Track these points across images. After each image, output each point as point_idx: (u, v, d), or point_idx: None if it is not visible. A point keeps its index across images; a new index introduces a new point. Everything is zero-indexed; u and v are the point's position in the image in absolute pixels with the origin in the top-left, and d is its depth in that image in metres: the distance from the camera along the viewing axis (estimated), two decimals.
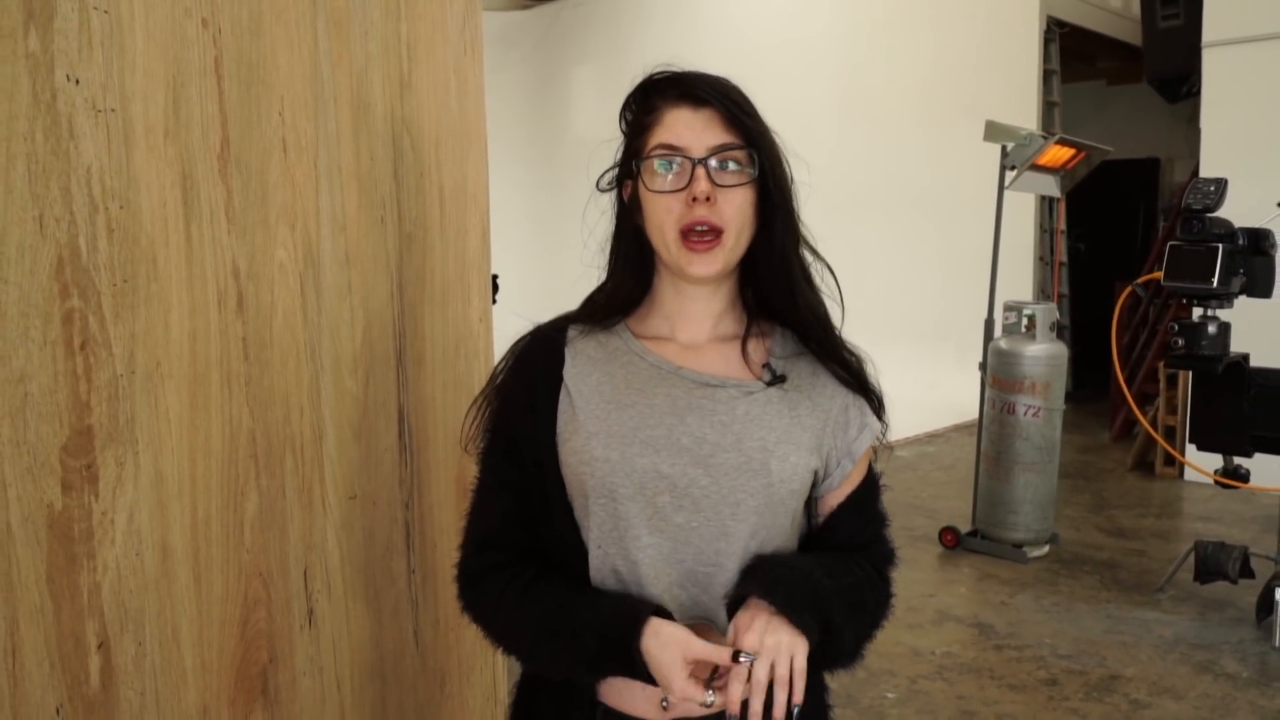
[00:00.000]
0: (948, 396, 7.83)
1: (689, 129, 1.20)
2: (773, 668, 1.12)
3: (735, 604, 1.19)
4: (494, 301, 3.93)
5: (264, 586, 1.44)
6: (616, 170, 1.30)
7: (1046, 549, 5.13)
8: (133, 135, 1.21)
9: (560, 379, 1.27)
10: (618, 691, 1.25)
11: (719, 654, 1.13)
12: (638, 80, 1.27)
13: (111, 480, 1.21)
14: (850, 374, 1.29)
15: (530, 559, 1.28)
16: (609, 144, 1.32)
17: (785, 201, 1.25)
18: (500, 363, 1.32)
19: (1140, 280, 4.05)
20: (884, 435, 1.34)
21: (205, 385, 1.33)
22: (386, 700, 1.81)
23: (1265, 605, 4.14)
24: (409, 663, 1.89)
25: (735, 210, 1.21)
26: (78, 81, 1.15)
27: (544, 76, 12.17)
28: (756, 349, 1.29)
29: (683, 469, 1.21)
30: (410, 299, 1.87)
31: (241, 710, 1.40)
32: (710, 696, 1.11)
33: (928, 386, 7.93)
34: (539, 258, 10.22)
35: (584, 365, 1.28)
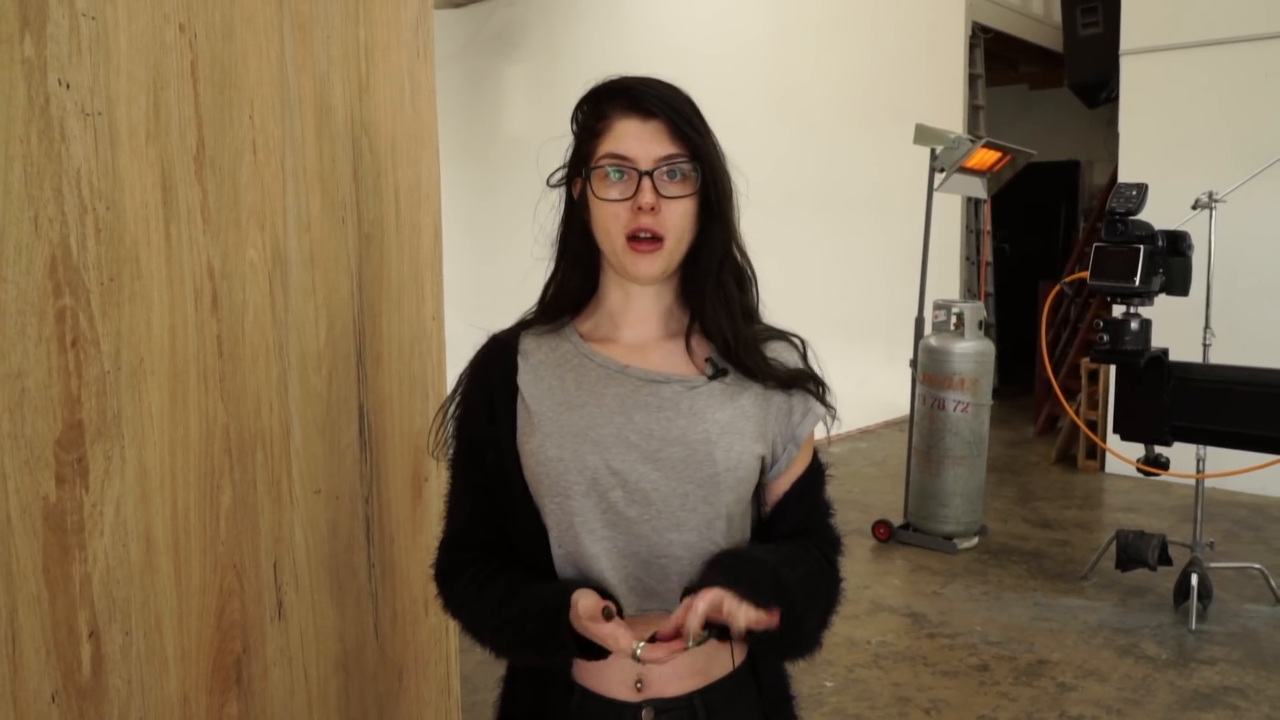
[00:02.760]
0: (878, 394, 7.98)
1: (637, 140, 1.26)
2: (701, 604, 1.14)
3: (694, 591, 1.21)
4: None
5: (237, 578, 1.47)
6: (566, 170, 1.35)
7: (976, 540, 5.27)
8: (118, 138, 1.24)
9: (515, 386, 1.33)
10: (592, 674, 1.29)
11: (612, 634, 1.16)
12: (591, 84, 1.32)
13: (100, 473, 1.23)
14: (764, 375, 1.32)
15: (495, 555, 1.34)
16: (558, 141, 1.37)
17: (724, 211, 1.32)
18: (462, 372, 1.38)
19: (1067, 279, 4.19)
20: (830, 420, 1.38)
21: (183, 381, 1.36)
22: (349, 691, 1.85)
23: (1182, 591, 4.30)
24: (369, 655, 1.93)
25: (678, 218, 1.27)
26: (68, 86, 1.18)
27: (475, 77, 12.09)
28: (700, 345, 1.34)
29: (632, 465, 1.26)
30: (369, 298, 1.90)
31: (218, 699, 1.43)
32: (640, 646, 1.13)
33: (858, 383, 8.05)
34: (468, 260, 10.18)
35: (536, 371, 1.33)
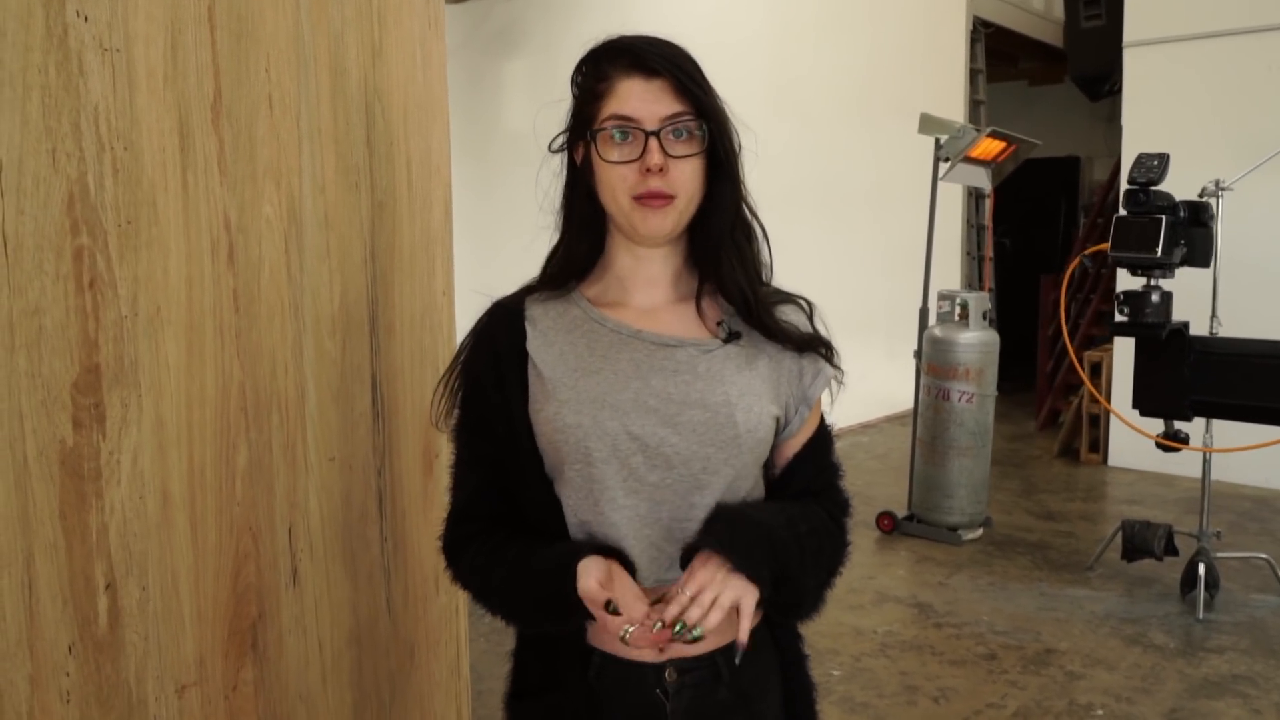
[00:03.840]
0: (879, 388, 7.95)
1: (641, 100, 1.23)
2: (698, 596, 1.15)
3: (691, 554, 1.22)
4: None
5: (253, 541, 1.44)
6: (568, 134, 1.32)
7: (980, 532, 5.25)
8: (135, 77, 1.21)
9: (525, 352, 1.30)
10: (611, 637, 1.24)
11: (595, 596, 1.16)
12: (590, 45, 1.30)
13: (117, 421, 1.20)
14: (781, 336, 1.32)
15: (503, 525, 1.31)
16: (556, 106, 1.35)
17: (732, 168, 1.29)
18: (464, 340, 1.35)
19: (1087, 251, 4.17)
20: (839, 380, 1.39)
21: (200, 334, 1.33)
22: (362, 665, 1.82)
23: (1189, 580, 4.29)
24: (382, 630, 1.90)
25: (686, 178, 1.25)
26: (86, 18, 1.14)
27: (474, 72, 12.06)
28: (710, 307, 1.33)
29: (652, 429, 1.24)
30: (382, 267, 1.87)
31: (234, 663, 1.40)
32: (627, 632, 1.13)
33: (858, 377, 8.00)
34: (467, 259, 10.12)
35: (545, 336, 1.30)
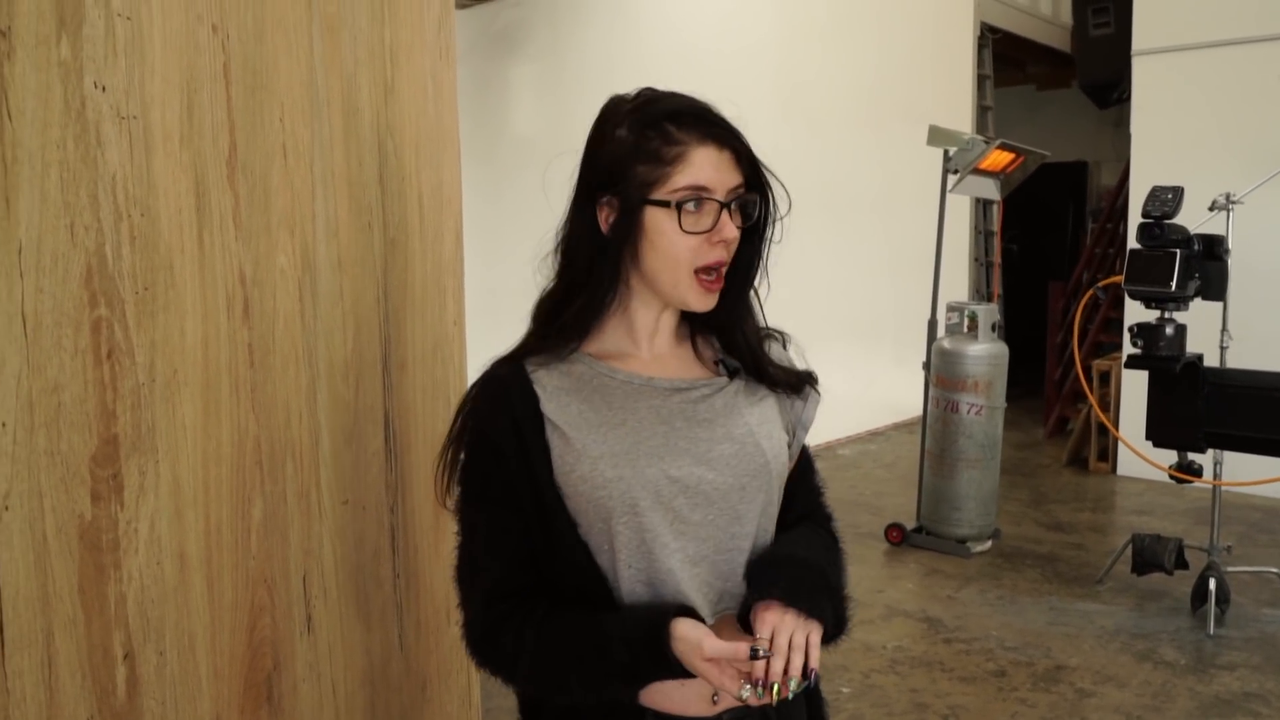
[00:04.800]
0: (886, 395, 7.95)
1: (717, 171, 1.23)
2: (791, 640, 1.16)
3: (751, 601, 1.22)
4: None
5: (268, 593, 1.44)
6: (602, 188, 1.26)
7: (989, 544, 5.24)
8: (152, 142, 1.20)
9: (540, 415, 1.26)
10: (665, 695, 1.24)
11: (734, 650, 1.14)
12: (651, 98, 1.26)
13: (135, 489, 1.20)
14: (783, 383, 1.36)
15: (537, 599, 1.26)
16: (569, 154, 1.30)
17: (765, 239, 1.32)
18: (463, 408, 1.29)
19: (1101, 284, 4.15)
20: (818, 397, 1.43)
21: (216, 392, 1.33)
22: (375, 705, 1.82)
23: (1199, 595, 4.27)
24: (395, 667, 1.90)
25: (735, 248, 1.27)
26: (104, 89, 1.14)
27: (481, 77, 12.06)
28: (705, 347, 1.37)
29: (689, 469, 1.25)
30: (394, 304, 1.87)
31: (250, 718, 1.40)
32: (746, 691, 1.13)
33: (868, 385, 8.04)
34: (473, 262, 10.11)
35: (558, 397, 1.27)
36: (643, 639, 1.17)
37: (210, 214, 1.30)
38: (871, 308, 8.72)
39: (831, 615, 1.23)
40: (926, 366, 5.25)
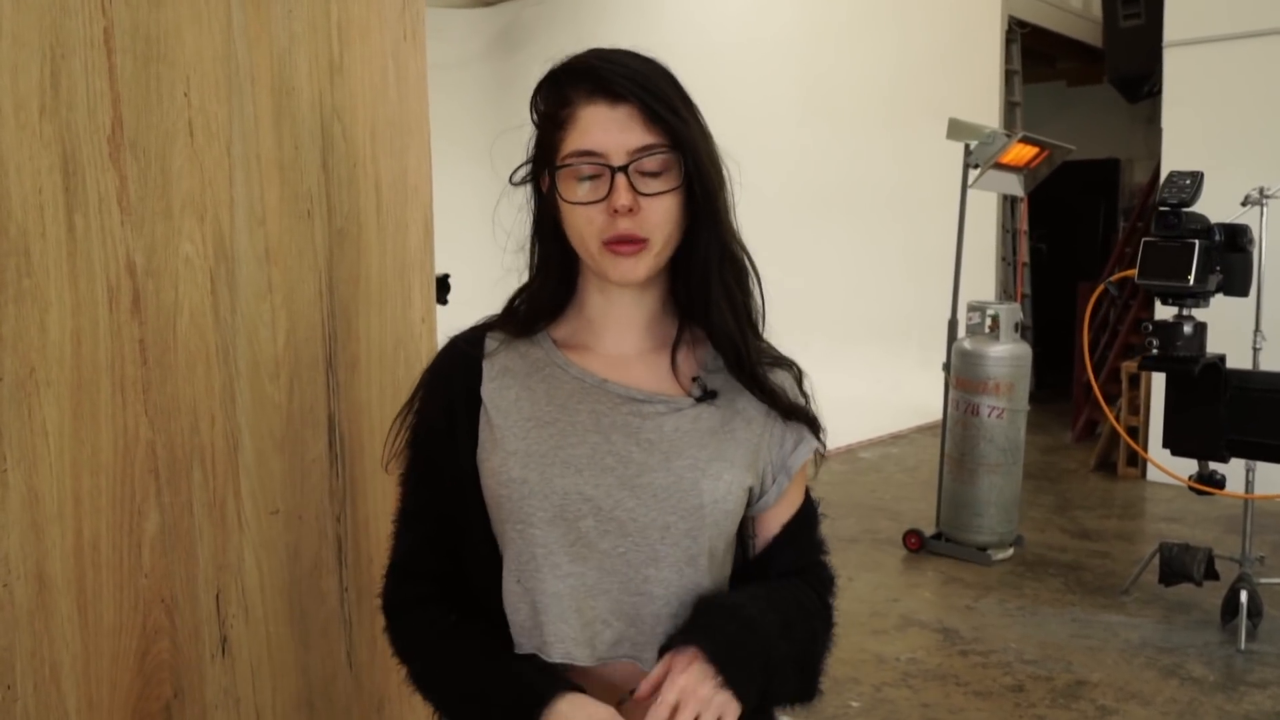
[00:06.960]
0: (910, 397, 7.78)
1: (606, 131, 1.09)
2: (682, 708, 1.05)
3: (671, 642, 1.11)
4: (444, 302, 3.78)
5: (166, 614, 1.31)
6: (531, 165, 1.21)
7: (1011, 551, 5.07)
8: (1, 111, 1.08)
9: (479, 396, 1.18)
10: None
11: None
12: (549, 66, 1.16)
13: None
14: (770, 397, 1.19)
15: (453, 590, 1.20)
16: (516, 132, 1.24)
17: (712, 207, 1.14)
18: (420, 378, 1.25)
19: (1113, 278, 3.97)
20: (822, 453, 1.26)
21: (92, 393, 1.20)
22: None
23: (1230, 608, 4.09)
24: (341, 687, 1.77)
25: (660, 218, 1.11)
26: None
27: (503, 75, 12.02)
28: (686, 360, 1.21)
29: (608, 490, 1.12)
30: (342, 299, 1.75)
31: None
32: None
33: (890, 387, 7.88)
34: (493, 263, 10.06)
35: (502, 380, 1.18)
36: (515, 709, 1.08)
37: (85, 195, 1.18)
38: (895, 307, 8.57)
39: (756, 697, 1.09)
40: (946, 368, 5.10)
